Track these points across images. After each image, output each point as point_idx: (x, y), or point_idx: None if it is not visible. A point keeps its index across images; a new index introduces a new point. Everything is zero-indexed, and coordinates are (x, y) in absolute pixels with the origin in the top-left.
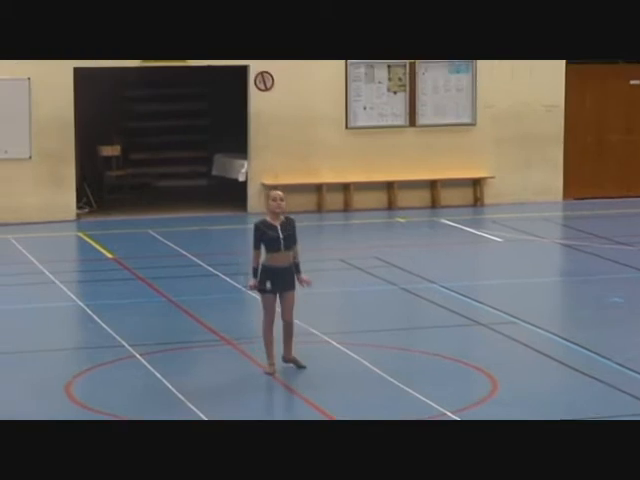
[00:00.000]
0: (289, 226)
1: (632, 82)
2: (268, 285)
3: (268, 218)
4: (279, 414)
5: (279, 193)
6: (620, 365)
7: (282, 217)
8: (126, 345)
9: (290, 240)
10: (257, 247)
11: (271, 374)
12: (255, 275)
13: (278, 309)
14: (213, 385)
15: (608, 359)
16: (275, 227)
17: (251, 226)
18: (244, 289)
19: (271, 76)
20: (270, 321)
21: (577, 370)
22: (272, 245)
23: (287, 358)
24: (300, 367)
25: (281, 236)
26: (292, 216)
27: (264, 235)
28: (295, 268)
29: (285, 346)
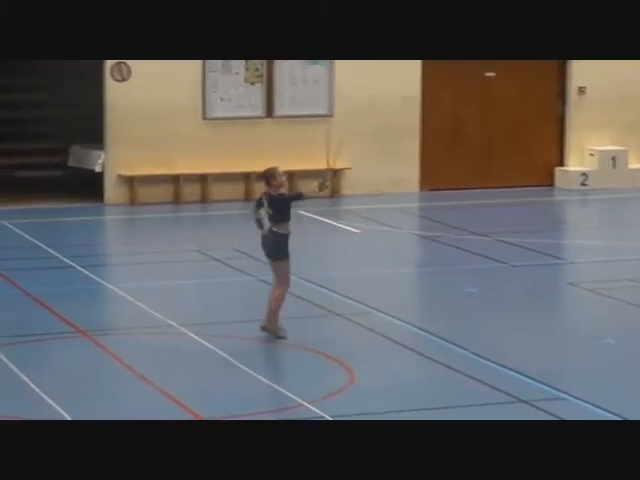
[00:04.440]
0: None
1: (487, 74)
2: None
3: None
4: (137, 410)
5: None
6: (476, 355)
7: None
8: None
9: None
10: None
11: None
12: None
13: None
14: (70, 379)
15: (465, 349)
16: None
17: (108, 217)
18: (101, 280)
19: (127, 67)
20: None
21: (434, 360)
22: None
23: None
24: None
25: None
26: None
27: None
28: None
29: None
